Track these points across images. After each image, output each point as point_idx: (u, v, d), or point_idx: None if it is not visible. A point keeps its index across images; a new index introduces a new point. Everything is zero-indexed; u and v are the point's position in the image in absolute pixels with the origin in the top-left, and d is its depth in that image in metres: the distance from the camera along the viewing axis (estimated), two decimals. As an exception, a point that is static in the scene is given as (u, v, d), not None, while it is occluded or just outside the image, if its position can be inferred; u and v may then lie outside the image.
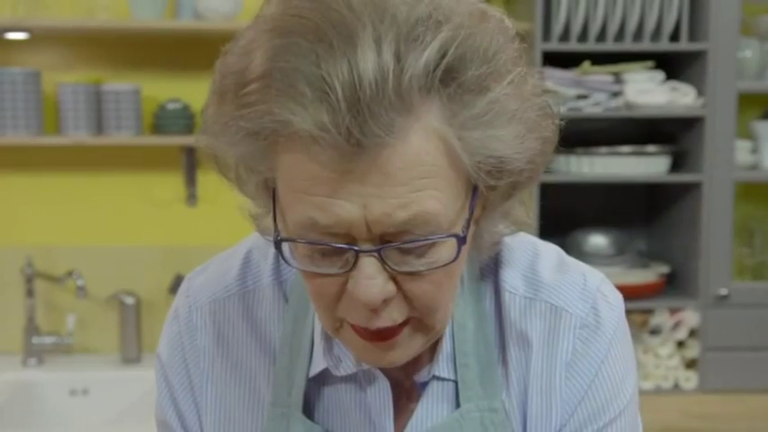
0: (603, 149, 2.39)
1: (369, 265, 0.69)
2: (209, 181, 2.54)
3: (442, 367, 0.85)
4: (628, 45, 2.36)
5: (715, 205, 2.38)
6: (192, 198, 2.53)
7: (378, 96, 0.64)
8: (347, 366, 0.85)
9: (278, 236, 0.73)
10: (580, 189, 2.58)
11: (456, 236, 0.70)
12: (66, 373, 2.44)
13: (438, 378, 0.85)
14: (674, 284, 2.54)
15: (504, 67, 0.70)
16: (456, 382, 0.85)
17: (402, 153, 0.66)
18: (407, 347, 0.77)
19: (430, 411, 0.86)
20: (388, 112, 0.64)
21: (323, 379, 0.87)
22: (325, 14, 0.66)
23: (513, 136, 0.70)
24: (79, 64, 2.53)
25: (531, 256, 0.88)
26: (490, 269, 0.87)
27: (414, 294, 0.72)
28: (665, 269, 2.50)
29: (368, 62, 0.64)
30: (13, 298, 2.54)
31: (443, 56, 0.66)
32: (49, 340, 2.48)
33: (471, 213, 0.73)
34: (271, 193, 0.74)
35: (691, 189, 2.43)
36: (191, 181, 2.53)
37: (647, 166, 2.40)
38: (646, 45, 2.36)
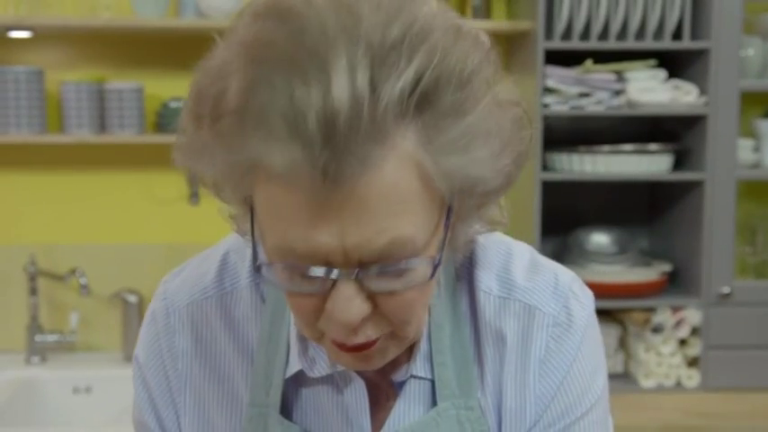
0: (606, 148, 2.39)
1: (346, 288, 0.70)
2: (211, 179, 2.54)
3: (419, 367, 0.86)
4: (630, 43, 2.36)
5: (717, 204, 2.38)
6: (194, 196, 2.53)
7: (353, 128, 0.63)
8: (322, 368, 0.86)
9: (257, 259, 0.74)
10: (582, 187, 2.58)
11: (432, 259, 0.71)
12: (68, 371, 2.44)
13: (415, 377, 0.86)
14: (677, 283, 2.54)
15: (481, 89, 0.70)
16: (433, 381, 0.86)
17: (378, 183, 0.66)
18: (382, 356, 0.78)
19: (407, 410, 0.87)
20: (364, 143, 0.64)
21: (300, 380, 0.88)
22: (298, 41, 0.65)
23: (488, 156, 0.70)
24: (82, 62, 2.53)
25: (504, 257, 0.89)
26: (465, 269, 0.88)
27: (389, 311, 0.73)
28: (667, 267, 2.50)
29: (342, 92, 0.63)
30: (16, 296, 2.55)
31: (419, 81, 0.65)
32: (51, 338, 2.49)
33: (446, 233, 0.73)
34: (249, 209, 0.74)
35: (693, 187, 2.43)
36: (193, 179, 2.53)
37: (649, 164, 2.40)
38: (648, 43, 2.36)
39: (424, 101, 0.66)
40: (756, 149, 2.50)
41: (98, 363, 2.51)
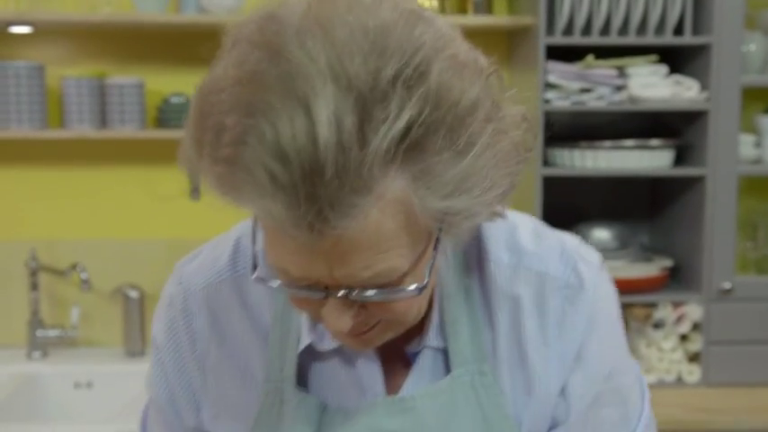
0: (607, 143, 2.39)
1: (337, 304, 0.74)
2: (212, 175, 2.54)
3: (431, 337, 0.89)
4: (631, 39, 2.35)
5: (718, 199, 2.38)
6: (195, 192, 2.53)
7: (338, 181, 0.63)
8: (330, 341, 0.89)
9: (256, 269, 0.77)
10: (583, 183, 2.58)
11: (420, 281, 0.74)
12: (70, 366, 2.45)
13: (428, 347, 0.89)
14: (678, 278, 2.54)
15: (478, 125, 0.69)
16: (446, 351, 0.89)
17: (364, 229, 0.67)
18: (381, 338, 0.81)
19: (421, 379, 0.89)
20: (350, 195, 0.64)
21: (313, 353, 0.90)
22: (288, 87, 0.64)
23: (481, 192, 0.70)
24: (83, 58, 2.53)
25: (509, 228, 0.91)
26: (473, 242, 0.91)
27: (382, 315, 0.77)
28: (668, 263, 2.50)
29: (328, 144, 0.63)
30: (18, 291, 2.55)
31: (409, 129, 0.65)
32: (53, 333, 2.49)
33: (435, 256, 0.74)
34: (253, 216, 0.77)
35: (694, 183, 2.43)
36: (194, 176, 2.52)
37: (650, 159, 2.40)
38: (649, 39, 2.35)
39: (415, 148, 0.65)
40: (758, 145, 2.49)
41: (99, 358, 2.51)
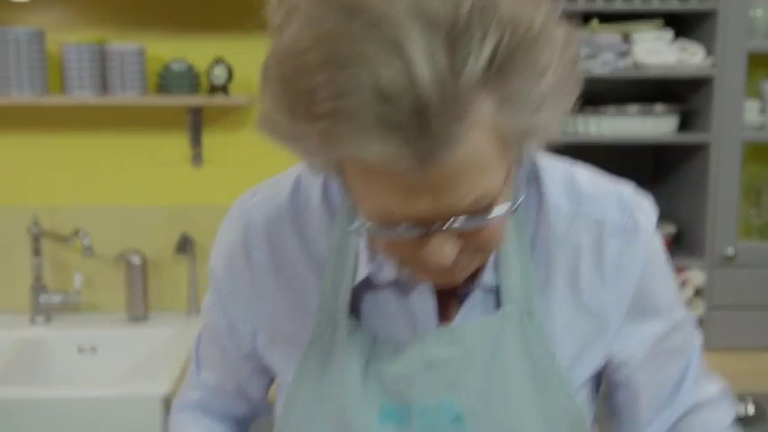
0: (611, 109, 2.37)
1: (440, 238, 0.77)
2: (214, 141, 2.54)
3: (485, 276, 0.92)
4: (637, 4, 2.33)
5: (722, 165, 2.37)
6: (197, 158, 2.53)
7: (441, 113, 0.67)
8: (389, 273, 0.92)
9: (355, 222, 0.80)
10: (586, 149, 2.56)
11: (508, 198, 0.79)
12: (73, 331, 2.46)
13: (480, 287, 0.93)
14: (681, 244, 2.54)
15: (547, 45, 0.73)
16: (497, 291, 0.93)
17: (464, 156, 0.71)
18: (469, 269, 0.85)
19: (472, 314, 0.93)
20: (451, 124, 0.68)
21: (368, 286, 0.94)
22: (375, 35, 0.67)
23: (556, 107, 0.76)
24: (83, 24, 2.51)
25: (567, 174, 0.97)
26: (533, 188, 0.95)
27: (477, 244, 0.81)
28: (671, 229, 2.50)
29: (427, 80, 0.66)
30: (21, 257, 2.56)
31: (495, 55, 0.69)
32: (56, 298, 2.50)
33: (517, 172, 0.80)
34: (339, 172, 0.79)
35: (698, 149, 2.42)
36: (196, 141, 2.52)
37: (654, 126, 2.38)
38: (655, 4, 2.33)
39: (501, 71, 0.70)
40: (763, 111, 2.48)
41: (102, 323, 2.52)
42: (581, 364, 0.95)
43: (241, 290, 0.99)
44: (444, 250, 0.78)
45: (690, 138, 2.41)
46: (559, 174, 0.96)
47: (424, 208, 0.74)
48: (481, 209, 0.76)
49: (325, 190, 0.97)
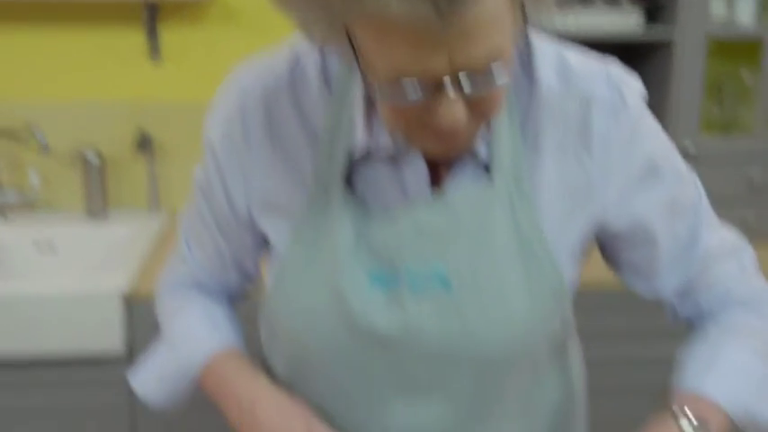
0: (576, 4, 2.34)
1: (453, 99, 0.78)
2: (173, 36, 2.47)
3: (477, 148, 0.94)
4: None
5: (687, 59, 2.35)
6: (155, 52, 2.46)
7: None
8: (385, 145, 0.94)
9: (370, 87, 0.80)
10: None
11: (510, 58, 0.80)
12: (31, 229, 2.42)
13: (472, 156, 0.95)
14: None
15: None
16: (487, 166, 0.96)
17: (483, 10, 0.73)
18: (470, 137, 0.86)
19: (462, 183, 0.96)
20: None
21: (362, 159, 0.97)
22: None
23: None
24: None
25: (558, 53, 0.99)
26: (524, 65, 0.97)
27: (482, 111, 0.82)
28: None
29: None
30: (-26, 153, 2.50)
31: None
32: (12, 196, 2.46)
33: (518, 34, 0.81)
34: (347, 38, 0.79)
35: (663, 45, 2.40)
36: (153, 35, 2.45)
37: (620, 20, 2.36)
38: None
39: None
40: (729, 6, 2.45)
41: (60, 221, 2.49)
42: (565, 234, 0.98)
43: (239, 155, 1.00)
44: (456, 113, 0.79)
45: (655, 34, 2.39)
46: (550, 53, 0.98)
47: (438, 65, 0.75)
48: (490, 71, 0.77)
49: (323, 63, 0.97)
